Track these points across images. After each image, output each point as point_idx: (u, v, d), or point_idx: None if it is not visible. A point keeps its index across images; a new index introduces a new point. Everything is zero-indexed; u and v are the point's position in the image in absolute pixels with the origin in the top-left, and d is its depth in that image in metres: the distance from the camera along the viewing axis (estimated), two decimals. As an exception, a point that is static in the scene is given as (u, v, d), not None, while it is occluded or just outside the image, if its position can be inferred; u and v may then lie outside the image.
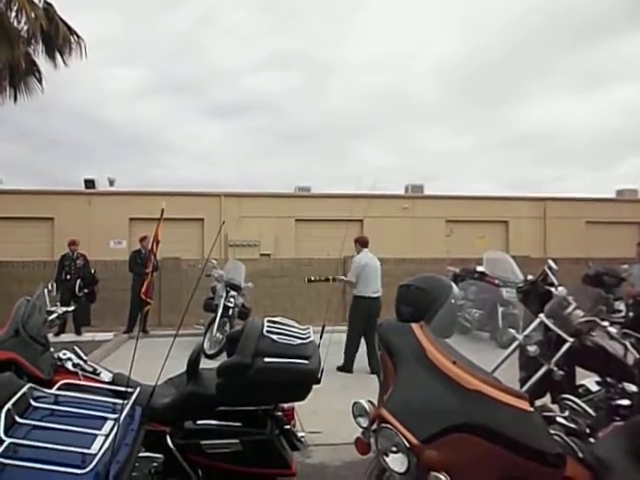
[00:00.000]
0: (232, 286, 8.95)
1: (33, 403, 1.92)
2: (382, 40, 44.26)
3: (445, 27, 44.68)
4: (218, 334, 8.40)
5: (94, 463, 1.60)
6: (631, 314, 7.40)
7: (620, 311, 7.80)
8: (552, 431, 1.97)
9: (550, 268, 4.35)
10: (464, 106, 42.11)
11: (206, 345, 8.10)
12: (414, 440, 1.83)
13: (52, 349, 3.40)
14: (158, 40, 40.14)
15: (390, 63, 43.35)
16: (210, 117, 43.62)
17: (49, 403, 1.97)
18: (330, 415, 4.88)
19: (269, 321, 3.05)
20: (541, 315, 2.66)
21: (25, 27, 10.99)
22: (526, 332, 2.60)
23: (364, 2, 44.79)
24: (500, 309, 8.31)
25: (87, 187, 19.10)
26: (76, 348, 3.44)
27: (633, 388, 2.57)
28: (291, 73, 42.83)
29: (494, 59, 41.49)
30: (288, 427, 3.06)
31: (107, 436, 1.76)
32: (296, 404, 3.14)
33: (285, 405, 3.10)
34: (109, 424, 1.87)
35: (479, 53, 40.63)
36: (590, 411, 2.16)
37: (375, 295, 7.52)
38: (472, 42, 41.15)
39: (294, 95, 42.16)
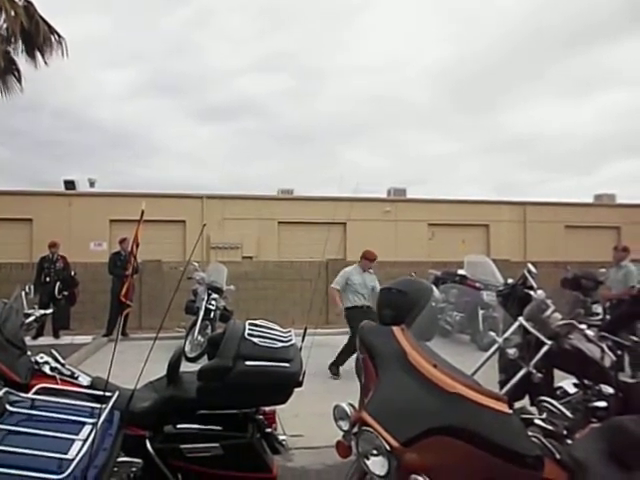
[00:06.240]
0: (214, 289, 8.91)
1: (9, 408, 1.89)
2: (373, 45, 44.58)
3: (435, 33, 45.15)
4: (199, 337, 8.36)
5: (71, 468, 1.58)
6: (608, 317, 7.53)
7: (597, 314, 7.94)
8: (530, 433, 1.99)
9: (529, 271, 4.41)
10: (453, 110, 42.59)
11: (187, 348, 8.03)
12: (394, 443, 1.84)
13: (29, 352, 3.33)
14: (149, 41, 40.01)
15: (381, 67, 43.61)
16: (199, 119, 43.37)
17: (26, 408, 1.94)
18: (311, 418, 4.87)
19: (250, 324, 3.04)
20: (520, 318, 2.68)
21: (4, 25, 10.83)
22: (506, 335, 2.63)
23: (356, 8, 45.02)
24: (480, 312, 8.41)
25: (67, 188, 18.83)
26: (54, 351, 3.38)
27: (609, 390, 2.60)
28: (281, 76, 42.91)
29: (483, 65, 42.08)
30: (269, 430, 3.04)
31: (85, 441, 1.74)
32: (277, 407, 3.13)
33: (266, 408, 3.08)
34: (87, 429, 1.84)
35: (469, 59, 41.17)
36: (567, 413, 2.19)
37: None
38: (462, 48, 41.73)
39: (284, 98, 42.15)
